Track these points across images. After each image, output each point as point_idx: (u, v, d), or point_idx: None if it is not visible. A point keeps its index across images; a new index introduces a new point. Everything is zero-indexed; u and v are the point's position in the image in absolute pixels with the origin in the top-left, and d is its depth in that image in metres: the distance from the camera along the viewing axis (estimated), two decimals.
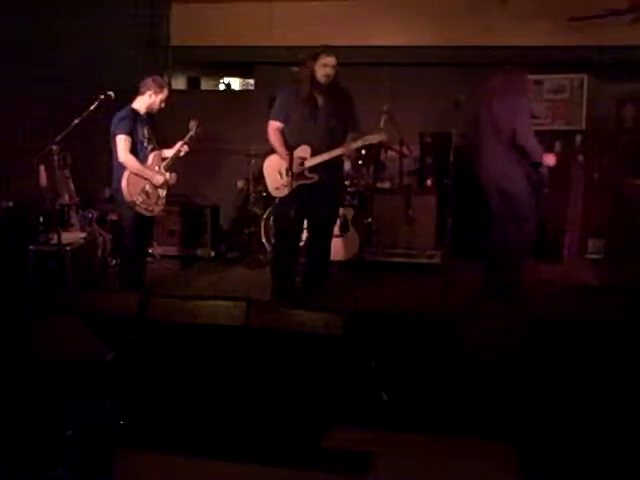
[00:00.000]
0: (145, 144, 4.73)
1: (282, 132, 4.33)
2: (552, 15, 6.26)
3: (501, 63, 5.48)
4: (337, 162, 4.37)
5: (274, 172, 4.39)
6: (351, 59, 6.74)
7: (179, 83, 7.96)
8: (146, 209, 4.67)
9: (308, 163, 4.22)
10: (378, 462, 2.71)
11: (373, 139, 4.35)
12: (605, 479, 2.60)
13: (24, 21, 5.15)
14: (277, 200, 4.50)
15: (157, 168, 4.73)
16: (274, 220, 5.02)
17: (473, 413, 3.03)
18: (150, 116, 4.83)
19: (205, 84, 8.80)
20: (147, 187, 4.65)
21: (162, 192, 4.76)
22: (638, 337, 3.30)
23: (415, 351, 3.47)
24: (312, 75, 4.15)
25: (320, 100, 4.25)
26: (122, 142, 4.54)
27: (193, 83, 8.52)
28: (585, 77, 6.60)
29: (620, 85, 6.52)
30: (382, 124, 5.57)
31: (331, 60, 4.15)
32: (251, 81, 8.24)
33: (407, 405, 3.10)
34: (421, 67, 6.72)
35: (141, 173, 4.62)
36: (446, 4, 6.54)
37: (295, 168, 4.20)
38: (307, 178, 4.23)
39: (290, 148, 4.25)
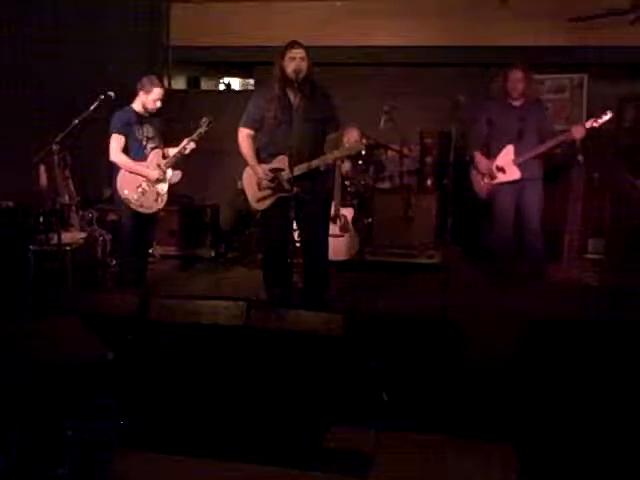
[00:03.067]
0: (144, 143, 4.75)
1: (253, 140, 4.08)
2: (552, 15, 6.26)
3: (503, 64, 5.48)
4: (319, 169, 4.06)
5: (252, 184, 4.15)
6: (351, 59, 6.77)
7: (179, 83, 7.97)
8: (141, 206, 4.69)
9: (286, 175, 3.93)
10: (378, 462, 2.71)
11: (352, 150, 4.20)
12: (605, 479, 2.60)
13: (24, 21, 5.15)
14: (259, 213, 4.25)
15: (157, 166, 4.73)
16: (260, 233, 4.83)
17: (473, 414, 3.03)
18: (153, 115, 4.83)
19: (205, 84, 8.80)
20: (144, 184, 4.68)
21: (162, 189, 4.75)
22: (638, 337, 3.30)
23: (415, 351, 3.47)
24: (282, 73, 3.90)
25: (295, 101, 3.95)
26: (114, 141, 4.64)
27: (193, 83, 8.52)
28: (585, 77, 6.61)
29: (620, 85, 6.52)
30: (382, 124, 5.58)
31: (298, 52, 3.86)
32: (251, 81, 8.24)
33: (407, 405, 3.10)
34: (421, 67, 6.72)
35: (134, 170, 4.66)
36: (446, 4, 6.54)
37: (272, 182, 4.00)
38: (286, 190, 3.94)
39: (264, 158, 4.06)
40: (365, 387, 3.16)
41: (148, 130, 4.78)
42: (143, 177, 4.68)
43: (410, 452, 2.83)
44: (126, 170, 4.65)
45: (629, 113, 6.31)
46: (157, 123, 4.87)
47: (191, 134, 4.77)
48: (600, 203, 5.81)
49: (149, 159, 4.75)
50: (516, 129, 4.80)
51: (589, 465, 2.65)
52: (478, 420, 2.98)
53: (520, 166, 4.77)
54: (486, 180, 4.89)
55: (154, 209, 4.79)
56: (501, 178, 4.84)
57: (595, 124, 4.60)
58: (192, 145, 4.73)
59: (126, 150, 4.69)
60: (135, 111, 4.75)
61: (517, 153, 4.77)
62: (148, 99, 4.72)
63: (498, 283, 4.83)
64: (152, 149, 4.77)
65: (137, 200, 4.67)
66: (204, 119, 4.72)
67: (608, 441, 2.74)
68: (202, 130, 4.69)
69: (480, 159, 4.91)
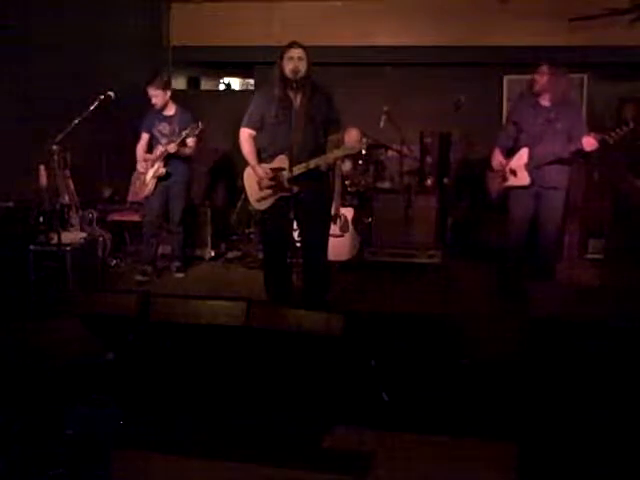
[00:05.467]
0: (159, 139, 5.30)
1: (255, 140, 4.11)
2: (552, 15, 6.27)
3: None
4: (319, 169, 4.04)
5: (253, 183, 4.12)
6: (351, 59, 6.78)
7: (179, 83, 7.97)
8: (135, 192, 5.55)
9: (286, 175, 3.93)
10: (378, 462, 2.71)
11: (352, 150, 4.16)
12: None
13: (24, 21, 5.15)
14: (260, 213, 4.27)
15: (153, 160, 5.26)
16: (260, 233, 4.85)
17: (473, 414, 3.03)
18: (172, 114, 5.29)
19: (205, 84, 8.80)
20: (140, 176, 5.37)
21: (146, 179, 5.29)
22: (637, 338, 3.30)
23: (415, 351, 3.47)
24: (282, 73, 3.92)
25: (295, 101, 3.96)
26: (141, 137, 5.37)
27: (193, 83, 8.53)
28: (585, 77, 6.61)
29: (620, 85, 6.53)
30: (382, 124, 5.58)
31: (296, 52, 3.87)
32: (251, 81, 8.24)
33: (407, 405, 3.10)
34: (421, 67, 6.73)
35: (137, 162, 5.38)
36: (446, 4, 6.54)
37: (272, 181, 4.00)
38: (287, 190, 3.95)
39: (265, 158, 4.07)
40: (365, 387, 3.16)
41: (164, 127, 5.28)
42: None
43: (410, 452, 2.82)
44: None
45: (629, 113, 6.31)
46: (182, 121, 5.23)
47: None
48: (600, 203, 5.81)
49: (153, 153, 5.32)
50: (539, 131, 4.47)
51: (590, 464, 2.65)
52: (478, 420, 2.99)
53: (532, 172, 4.46)
54: (499, 182, 4.66)
55: (139, 196, 5.44)
56: (512, 181, 4.57)
57: (610, 139, 4.18)
58: (172, 145, 5.10)
59: (150, 145, 5.39)
60: (158, 110, 5.30)
61: (532, 157, 4.45)
62: (151, 97, 5.23)
63: (503, 284, 4.81)
64: (161, 144, 5.24)
65: (134, 187, 5.61)
66: (194, 125, 5.08)
67: (608, 442, 2.74)
68: (185, 133, 5.09)
69: (496, 157, 4.67)
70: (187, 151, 5.21)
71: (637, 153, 5.85)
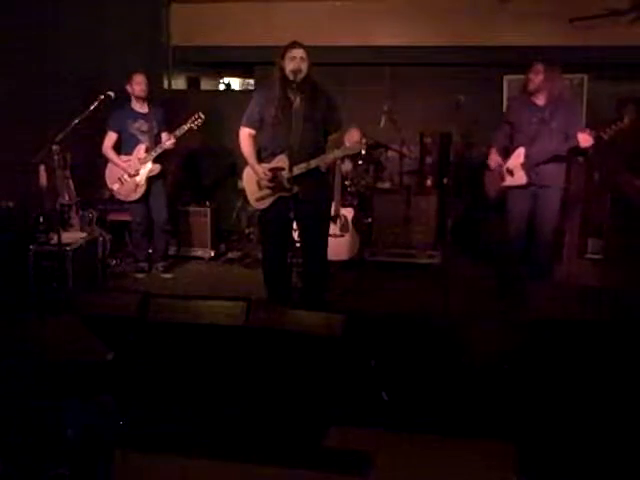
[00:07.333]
0: (138, 137, 5.18)
1: (254, 139, 4.11)
2: (552, 15, 6.26)
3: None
4: (319, 169, 4.05)
5: (252, 183, 4.14)
6: (352, 59, 6.78)
7: (179, 83, 7.97)
8: (120, 194, 5.26)
9: (286, 175, 3.92)
10: (378, 462, 2.71)
11: (352, 150, 4.17)
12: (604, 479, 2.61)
13: (24, 21, 5.15)
14: (259, 212, 4.28)
15: (139, 159, 5.14)
16: (260, 232, 4.85)
17: (473, 414, 3.03)
18: (147, 112, 5.19)
19: (205, 84, 8.80)
20: (124, 176, 5.18)
21: (141, 180, 5.20)
22: (637, 337, 3.30)
23: (415, 351, 3.47)
24: (282, 73, 3.91)
25: (295, 101, 3.92)
26: (106, 138, 5.23)
27: (193, 83, 8.53)
28: (585, 77, 6.61)
29: (620, 85, 6.52)
30: (382, 124, 5.59)
31: (298, 52, 3.86)
32: (251, 81, 8.25)
33: (407, 405, 3.11)
34: (421, 67, 6.73)
35: (116, 163, 5.21)
36: (446, 4, 6.54)
37: (271, 181, 4.00)
38: (286, 190, 3.94)
39: (265, 158, 4.07)
40: (365, 387, 3.17)
41: (142, 125, 5.17)
42: (123, 170, 5.18)
43: (410, 452, 2.83)
44: (111, 162, 5.24)
45: (629, 113, 6.29)
46: (157, 117, 5.19)
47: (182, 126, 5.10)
48: (600, 203, 5.81)
49: (133, 153, 5.18)
50: (534, 130, 4.48)
51: (589, 464, 2.65)
52: (478, 420, 2.99)
53: (529, 171, 4.47)
54: (497, 181, 4.66)
55: (132, 198, 5.26)
56: (509, 181, 4.58)
57: (604, 135, 4.18)
58: (172, 140, 5.06)
59: (120, 144, 5.20)
60: (131, 108, 5.18)
61: (528, 157, 4.46)
62: (133, 87, 5.13)
63: (503, 284, 4.80)
64: (143, 142, 5.15)
65: (117, 190, 5.25)
66: (195, 115, 5.04)
67: (608, 441, 2.74)
68: (186, 127, 5.03)
69: (492, 156, 4.66)
70: (169, 145, 5.12)
71: (636, 152, 5.85)
